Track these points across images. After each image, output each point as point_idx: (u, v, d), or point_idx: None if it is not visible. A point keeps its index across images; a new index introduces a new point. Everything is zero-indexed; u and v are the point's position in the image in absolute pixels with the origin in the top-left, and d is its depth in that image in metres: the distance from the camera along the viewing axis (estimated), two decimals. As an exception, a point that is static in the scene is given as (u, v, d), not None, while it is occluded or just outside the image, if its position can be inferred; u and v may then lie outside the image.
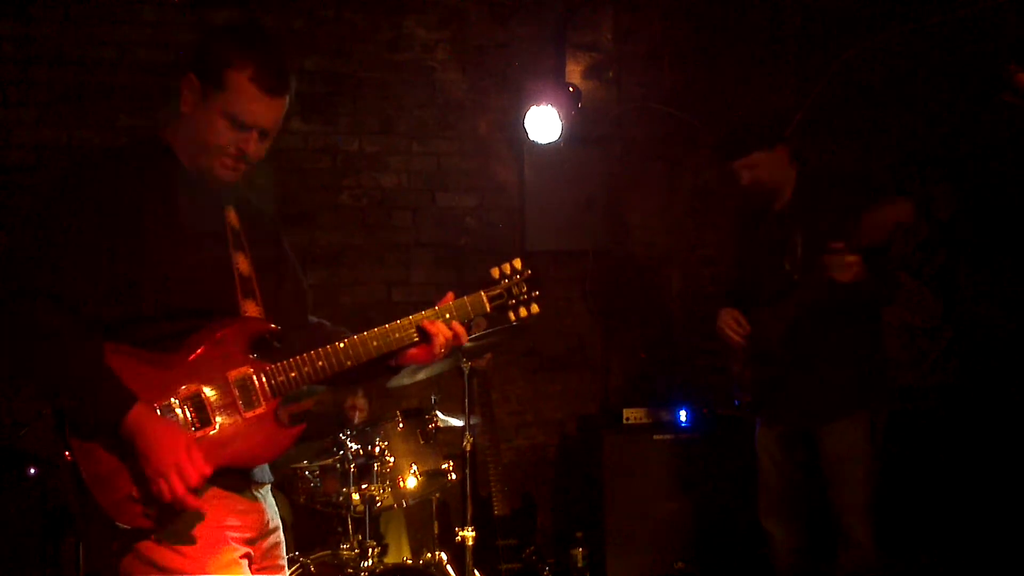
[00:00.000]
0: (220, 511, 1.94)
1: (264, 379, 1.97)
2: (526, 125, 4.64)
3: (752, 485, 3.63)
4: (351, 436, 3.44)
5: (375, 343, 2.06)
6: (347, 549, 3.50)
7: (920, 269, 4.20)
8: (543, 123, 4.60)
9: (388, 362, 2.15)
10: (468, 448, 3.49)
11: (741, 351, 3.39)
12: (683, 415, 4.48)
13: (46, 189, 1.96)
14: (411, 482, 3.51)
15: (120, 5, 4.33)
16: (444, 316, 2.12)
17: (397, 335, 2.08)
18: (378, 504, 3.47)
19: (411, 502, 3.66)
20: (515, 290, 2.18)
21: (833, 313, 3.15)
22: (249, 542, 1.99)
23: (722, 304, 3.54)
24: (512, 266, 2.19)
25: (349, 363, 2.03)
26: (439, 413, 3.67)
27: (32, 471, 3.55)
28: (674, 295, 5.15)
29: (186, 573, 1.87)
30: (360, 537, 3.44)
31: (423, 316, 2.11)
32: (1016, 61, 3.33)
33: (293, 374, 1.99)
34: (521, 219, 4.88)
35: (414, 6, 4.76)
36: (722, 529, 4.32)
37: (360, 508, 3.43)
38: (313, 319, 2.26)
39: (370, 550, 3.40)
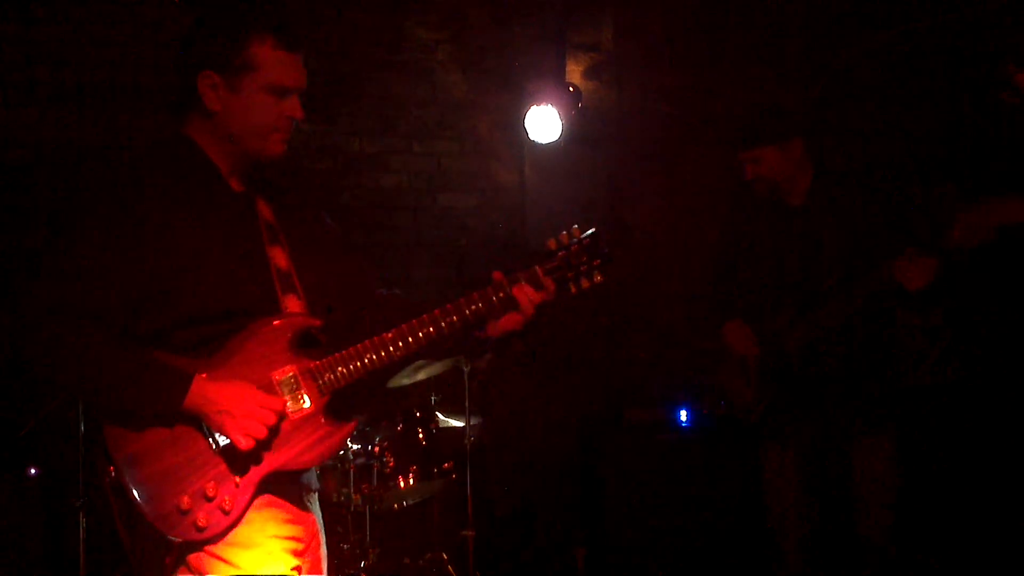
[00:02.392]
0: (272, 521, 1.88)
1: (310, 377, 1.90)
2: (527, 125, 4.63)
3: (752, 485, 3.60)
4: (351, 436, 3.44)
5: (424, 331, 1.94)
6: (347, 549, 3.50)
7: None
8: (544, 123, 4.60)
9: (475, 334, 2.02)
10: (469, 448, 3.50)
11: (749, 366, 3.20)
12: (684, 415, 4.48)
13: (73, 199, 1.91)
14: (411, 482, 3.52)
15: (121, 5, 4.33)
16: (497, 295, 1.99)
17: (451, 318, 1.95)
18: (378, 504, 3.47)
19: (411, 502, 3.66)
20: (573, 260, 2.01)
21: (862, 319, 2.98)
22: (300, 553, 1.92)
23: (711, 309, 3.38)
24: (570, 234, 2.02)
25: (401, 353, 1.93)
26: (439, 413, 3.68)
27: (32, 471, 3.55)
28: (675, 295, 5.14)
29: None
30: (360, 537, 3.45)
31: (487, 290, 1.98)
32: (1015, 61, 3.33)
33: (340, 369, 1.91)
34: (522, 219, 4.88)
35: (414, 7, 4.76)
36: (723, 529, 4.32)
37: (360, 508, 3.44)
38: (384, 291, 2.16)
39: (370, 550, 3.40)
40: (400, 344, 1.94)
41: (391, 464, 3.49)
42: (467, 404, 3.56)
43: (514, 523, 4.19)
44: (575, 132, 4.71)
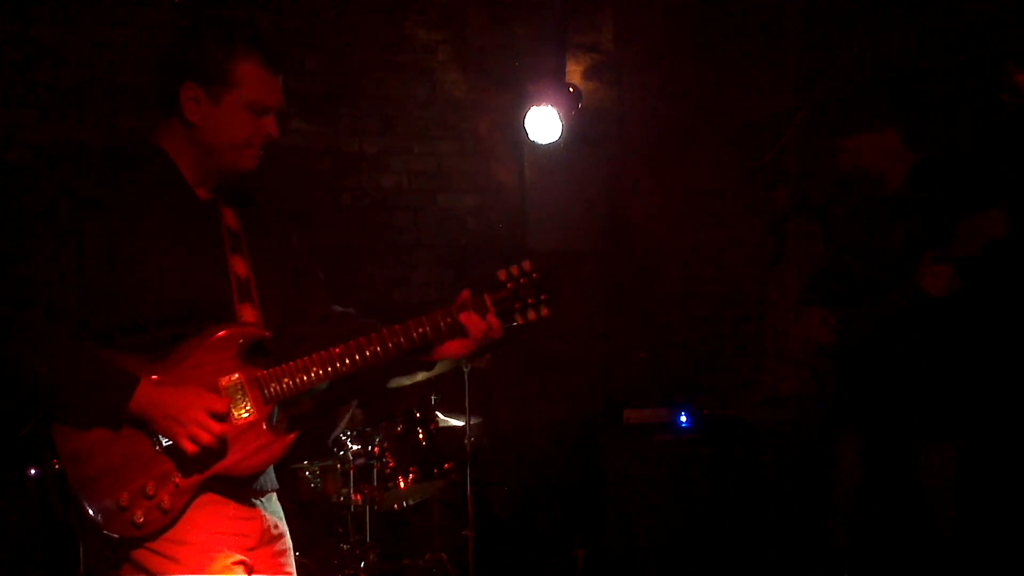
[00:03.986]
0: (214, 517, 1.92)
1: (256, 386, 1.94)
2: (527, 126, 4.63)
3: (753, 484, 3.59)
4: (351, 437, 3.44)
5: (372, 349, 1.99)
6: (347, 549, 3.50)
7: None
8: (544, 123, 4.60)
9: (420, 358, 2.08)
10: (469, 449, 3.50)
11: (830, 352, 3.10)
12: (684, 416, 4.48)
13: (32, 194, 1.93)
14: (411, 483, 3.51)
15: (121, 6, 4.33)
16: (444, 321, 2.04)
17: (398, 340, 2.00)
18: (378, 505, 3.47)
19: (411, 502, 3.66)
20: (522, 292, 2.09)
21: (936, 323, 2.89)
22: (248, 549, 1.95)
23: (806, 297, 3.20)
24: (521, 267, 2.10)
25: (347, 369, 1.97)
26: (439, 414, 3.68)
27: (32, 471, 3.55)
28: (675, 296, 5.15)
29: None
30: (360, 537, 3.45)
31: (421, 321, 2.03)
32: (1015, 61, 3.32)
33: (287, 380, 1.95)
34: (522, 219, 4.89)
35: (414, 7, 4.76)
36: (723, 530, 4.32)
37: (360, 508, 3.44)
38: (339, 309, 2.19)
39: (370, 551, 3.40)
40: (347, 360, 1.97)
41: (391, 465, 3.49)
42: (467, 404, 3.56)
43: (514, 523, 4.19)
44: (575, 132, 4.71)
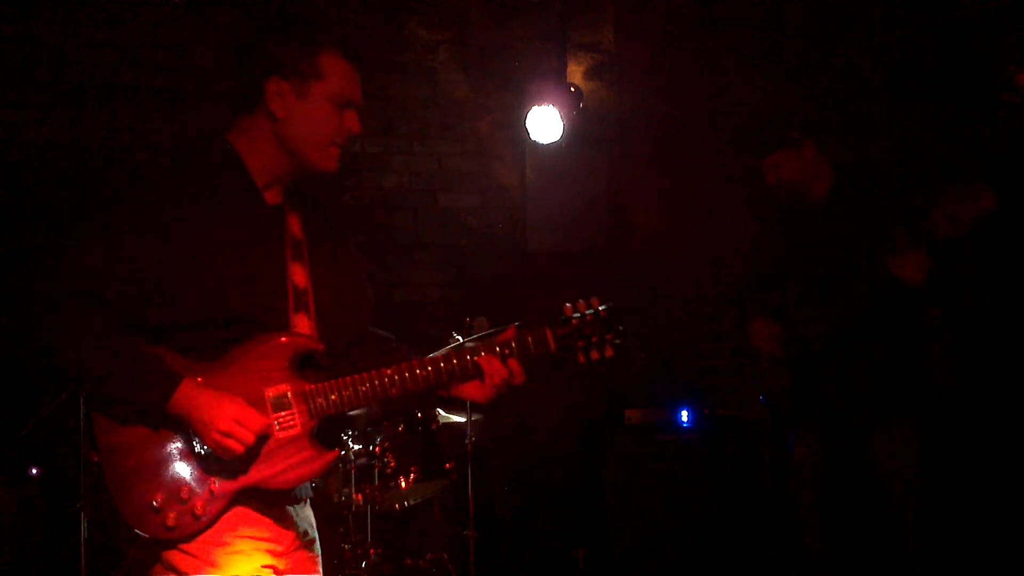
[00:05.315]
0: (247, 522, 1.90)
1: (303, 400, 1.90)
2: (528, 125, 4.63)
3: (753, 485, 3.60)
4: (352, 436, 3.44)
5: (424, 372, 1.94)
6: (349, 549, 3.50)
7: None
8: (545, 123, 4.60)
9: (440, 392, 2.02)
10: (469, 448, 3.49)
11: (778, 358, 3.21)
12: (685, 416, 4.48)
13: (102, 189, 1.93)
14: (412, 482, 3.51)
15: (121, 6, 4.33)
16: (503, 353, 1.96)
17: (448, 365, 1.95)
18: (379, 505, 3.47)
19: (412, 502, 3.66)
20: (588, 330, 1.97)
21: (882, 312, 3.00)
22: (277, 554, 1.93)
23: (737, 304, 3.39)
24: (589, 303, 2.00)
25: (394, 391, 1.94)
26: (440, 413, 3.67)
27: (33, 471, 3.55)
28: (676, 296, 5.15)
29: None
30: (361, 537, 3.44)
31: (480, 348, 1.96)
32: (1016, 62, 3.33)
33: (333, 397, 1.91)
34: (523, 220, 4.88)
35: (415, 7, 4.76)
36: (724, 530, 4.32)
37: (362, 508, 3.43)
38: (378, 332, 2.15)
39: (372, 550, 3.40)
40: (397, 380, 1.94)
41: (392, 464, 3.49)
42: (468, 405, 3.55)
43: (515, 523, 4.19)
44: (576, 132, 4.71)
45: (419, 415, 3.69)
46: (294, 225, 2.01)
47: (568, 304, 1.99)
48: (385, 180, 4.73)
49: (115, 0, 4.32)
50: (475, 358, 1.95)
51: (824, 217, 3.14)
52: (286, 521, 1.98)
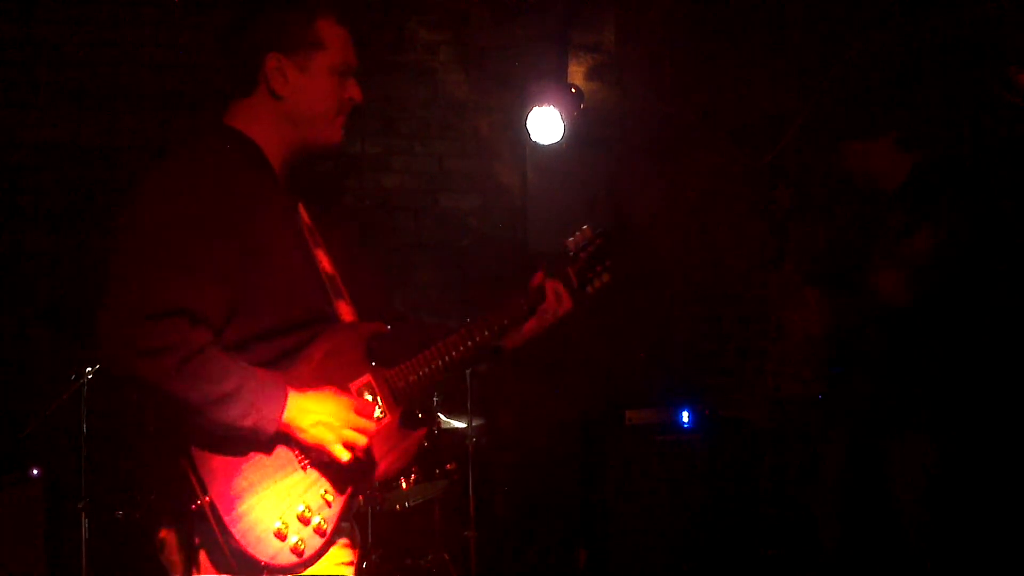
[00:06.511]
0: (342, 548, 1.82)
1: (386, 386, 1.85)
2: (528, 126, 4.63)
3: (753, 486, 3.60)
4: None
5: (484, 332, 1.99)
6: (350, 550, 3.50)
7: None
8: (545, 124, 4.60)
9: (493, 344, 2.04)
10: (470, 449, 3.49)
11: (821, 338, 3.29)
12: (685, 416, 4.48)
13: (158, 197, 1.71)
14: (413, 483, 3.51)
15: (121, 6, 4.33)
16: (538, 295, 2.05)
17: (501, 321, 2.01)
18: (380, 505, 3.47)
19: (413, 503, 3.66)
20: (593, 261, 2.09)
21: (908, 322, 3.00)
22: (350, 549, 1.87)
23: (808, 280, 3.40)
24: (584, 235, 2.07)
25: (459, 356, 1.94)
26: (441, 415, 3.67)
27: (35, 472, 3.54)
28: (676, 296, 5.15)
29: None
30: (363, 538, 3.44)
31: (522, 294, 2.03)
32: (1016, 62, 3.33)
33: (412, 377, 1.88)
34: (523, 220, 4.88)
35: (416, 7, 4.76)
36: (724, 530, 4.32)
37: (362, 509, 3.43)
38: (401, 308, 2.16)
39: (373, 551, 3.40)
40: (460, 348, 1.94)
41: (394, 465, 3.49)
42: (469, 405, 3.56)
43: (516, 524, 4.19)
44: (577, 133, 4.71)
45: (420, 416, 3.69)
46: (302, 210, 1.95)
47: (569, 240, 2.07)
48: (386, 180, 4.73)
49: (115, 0, 4.32)
50: (544, 286, 2.01)
51: (891, 208, 3.16)
52: (355, 536, 1.92)
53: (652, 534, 4.29)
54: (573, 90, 4.64)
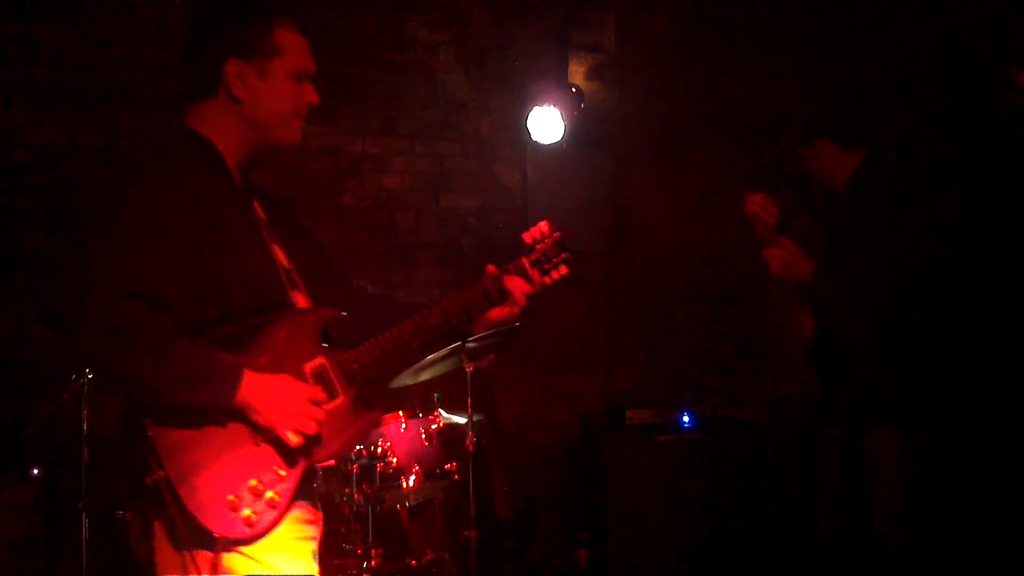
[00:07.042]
0: (297, 522, 1.89)
1: (339, 368, 1.95)
2: (529, 126, 4.63)
3: (754, 486, 3.59)
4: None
5: (436, 322, 2.05)
6: (350, 550, 3.49)
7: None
8: (546, 124, 4.60)
9: (461, 328, 2.14)
10: (471, 449, 3.48)
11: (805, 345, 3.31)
12: (686, 416, 4.48)
13: (115, 189, 1.84)
14: (414, 482, 3.51)
15: (121, 6, 4.33)
16: (494, 286, 2.12)
17: (456, 309, 2.07)
18: (381, 505, 3.47)
19: (414, 502, 3.66)
20: (550, 252, 2.19)
21: (874, 320, 3.05)
22: (315, 552, 1.94)
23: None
24: (540, 230, 2.20)
25: (417, 342, 2.02)
26: (442, 413, 3.67)
27: (35, 472, 3.54)
28: (677, 296, 5.15)
29: None
30: (363, 538, 3.44)
31: (476, 283, 2.10)
32: (1017, 62, 3.34)
33: (366, 360, 1.97)
34: (524, 220, 4.88)
35: (416, 7, 4.76)
36: (725, 530, 4.32)
37: (363, 509, 3.43)
38: (367, 291, 2.25)
39: (373, 551, 3.39)
40: (416, 333, 2.02)
41: (394, 464, 3.48)
42: (469, 405, 3.55)
43: (516, 524, 4.19)
44: (577, 133, 4.71)
45: (421, 415, 3.69)
46: (257, 207, 2.04)
47: (526, 234, 2.20)
48: (386, 180, 4.73)
49: (115, 0, 4.32)
50: (501, 283, 2.10)
51: (844, 205, 3.23)
52: (319, 517, 1.99)
53: (652, 534, 4.28)
54: (573, 90, 4.64)
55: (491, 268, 2.15)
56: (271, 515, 1.81)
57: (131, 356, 1.71)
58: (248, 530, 1.79)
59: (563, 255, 2.20)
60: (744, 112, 4.78)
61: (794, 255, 3.10)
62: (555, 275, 2.18)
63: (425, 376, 3.49)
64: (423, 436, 3.58)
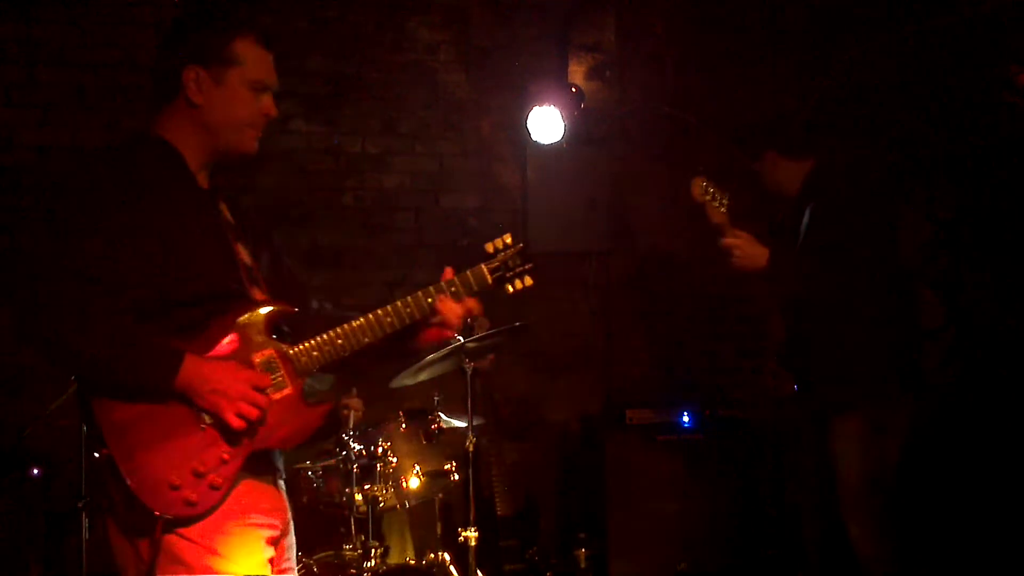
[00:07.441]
0: (251, 505, 1.95)
1: (288, 360, 2.01)
2: (529, 126, 4.63)
3: (754, 486, 3.60)
4: (354, 436, 3.44)
5: (389, 319, 2.08)
6: (350, 550, 3.49)
7: (923, 270, 4.20)
8: (546, 124, 4.60)
9: (406, 345, 2.18)
10: (471, 449, 3.48)
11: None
12: (686, 416, 4.48)
13: (72, 183, 1.99)
14: (414, 482, 3.51)
15: (122, 7, 4.33)
16: (450, 290, 2.15)
17: (409, 309, 2.10)
18: (381, 505, 3.47)
19: (414, 502, 3.66)
20: (511, 263, 2.20)
21: (828, 305, 3.18)
22: (274, 541, 2.00)
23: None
24: (504, 241, 2.22)
25: (367, 339, 2.06)
26: (442, 414, 3.67)
27: (35, 472, 3.54)
28: (677, 296, 5.15)
29: (217, 574, 1.87)
30: (363, 538, 3.44)
31: (430, 292, 2.13)
32: (1017, 62, 3.34)
33: (316, 353, 2.02)
34: (524, 220, 4.88)
35: (417, 7, 4.76)
36: (725, 530, 4.32)
37: (363, 509, 3.43)
38: (315, 304, 2.28)
39: (373, 551, 3.40)
40: (367, 328, 2.06)
41: (394, 464, 3.49)
42: (469, 404, 3.55)
43: (516, 524, 4.19)
44: (577, 133, 4.71)
45: (420, 414, 3.69)
46: (224, 209, 2.12)
47: (488, 243, 2.22)
48: (386, 180, 4.73)
49: (115, 0, 4.32)
50: (431, 300, 2.13)
51: (795, 211, 3.36)
52: (281, 502, 2.06)
53: (653, 534, 4.28)
54: (573, 90, 4.64)
55: (449, 271, 2.19)
56: (212, 496, 1.87)
57: (72, 330, 1.83)
58: (188, 509, 1.85)
59: (526, 265, 2.21)
60: (744, 112, 4.77)
61: (751, 245, 3.19)
62: (519, 284, 2.20)
63: (424, 376, 3.49)
64: (423, 436, 3.58)
